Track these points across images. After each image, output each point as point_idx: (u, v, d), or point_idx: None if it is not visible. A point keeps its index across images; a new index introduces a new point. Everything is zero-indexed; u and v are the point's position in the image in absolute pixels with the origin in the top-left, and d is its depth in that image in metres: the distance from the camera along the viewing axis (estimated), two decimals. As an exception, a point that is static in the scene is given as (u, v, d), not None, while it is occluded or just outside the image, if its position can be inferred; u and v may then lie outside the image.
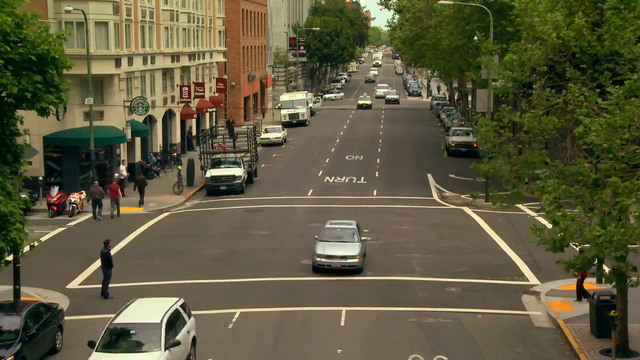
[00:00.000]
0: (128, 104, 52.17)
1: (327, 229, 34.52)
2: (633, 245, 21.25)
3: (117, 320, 22.06)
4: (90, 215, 44.41)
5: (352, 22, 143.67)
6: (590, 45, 25.82)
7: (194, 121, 69.96)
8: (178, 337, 21.88)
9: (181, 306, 23.41)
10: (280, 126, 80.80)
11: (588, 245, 21.25)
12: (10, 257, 24.68)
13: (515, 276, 32.36)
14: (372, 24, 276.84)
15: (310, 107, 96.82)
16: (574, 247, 22.88)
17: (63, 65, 23.26)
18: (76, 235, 40.62)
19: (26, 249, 24.93)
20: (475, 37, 45.62)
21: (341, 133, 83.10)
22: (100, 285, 30.21)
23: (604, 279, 22.69)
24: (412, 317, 27.24)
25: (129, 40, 53.30)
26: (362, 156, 66.73)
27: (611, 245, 20.32)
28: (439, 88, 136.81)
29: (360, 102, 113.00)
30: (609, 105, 22.63)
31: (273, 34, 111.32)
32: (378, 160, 65.35)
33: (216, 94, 77.60)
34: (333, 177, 57.27)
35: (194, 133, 69.98)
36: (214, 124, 74.44)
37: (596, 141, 21.51)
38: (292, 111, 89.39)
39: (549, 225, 22.94)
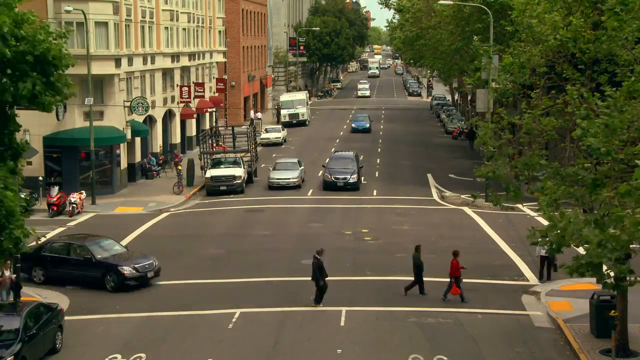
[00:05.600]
0: (128, 104, 52.16)
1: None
2: (632, 246, 21.19)
3: None
4: (90, 215, 44.46)
5: (352, 23, 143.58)
6: (588, 49, 25.79)
7: (194, 121, 69.94)
8: None
9: None
10: (280, 126, 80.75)
11: (587, 245, 21.16)
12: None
13: (515, 276, 32.36)
14: (372, 24, 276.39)
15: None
16: (575, 248, 22.83)
17: (63, 63, 23.23)
18: (76, 235, 40.57)
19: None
20: (475, 39, 45.62)
21: (341, 133, 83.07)
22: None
23: (605, 285, 22.57)
24: (412, 317, 27.23)
25: (129, 40, 53.29)
26: (362, 156, 66.63)
27: (606, 248, 20.23)
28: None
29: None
30: (607, 106, 22.57)
31: (273, 34, 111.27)
32: (378, 160, 65.35)
33: (216, 94, 77.57)
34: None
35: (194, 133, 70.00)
36: (214, 124, 74.38)
37: (594, 145, 21.42)
38: (292, 111, 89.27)
39: (549, 226, 22.86)
